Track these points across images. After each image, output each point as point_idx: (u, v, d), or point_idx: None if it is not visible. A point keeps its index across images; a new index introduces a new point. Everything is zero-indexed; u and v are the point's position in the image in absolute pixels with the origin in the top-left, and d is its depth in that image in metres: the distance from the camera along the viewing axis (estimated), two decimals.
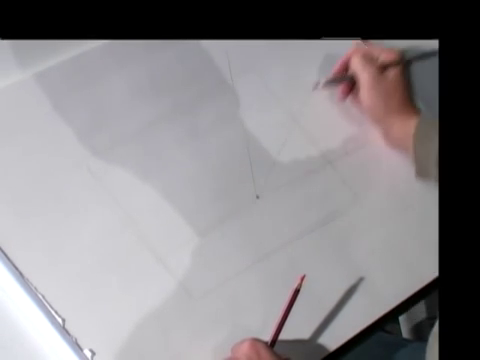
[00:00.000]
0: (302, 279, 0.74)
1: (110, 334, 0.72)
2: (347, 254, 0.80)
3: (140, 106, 0.83)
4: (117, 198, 0.78)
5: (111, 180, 0.78)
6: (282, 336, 0.73)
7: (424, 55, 0.89)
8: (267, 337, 0.72)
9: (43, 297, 0.71)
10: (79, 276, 0.74)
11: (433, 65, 0.83)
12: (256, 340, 0.71)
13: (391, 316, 0.80)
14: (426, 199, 0.85)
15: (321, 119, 0.87)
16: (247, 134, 0.84)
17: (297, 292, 0.74)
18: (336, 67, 0.87)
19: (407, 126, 0.83)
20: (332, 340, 0.76)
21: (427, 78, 0.87)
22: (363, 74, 0.84)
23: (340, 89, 0.88)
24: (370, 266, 0.80)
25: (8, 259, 0.72)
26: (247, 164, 0.83)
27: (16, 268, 0.72)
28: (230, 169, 0.82)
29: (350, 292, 0.79)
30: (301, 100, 0.88)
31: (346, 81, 0.87)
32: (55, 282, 0.73)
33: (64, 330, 0.71)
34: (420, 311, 1.28)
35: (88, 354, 0.71)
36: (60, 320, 0.71)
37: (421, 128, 0.82)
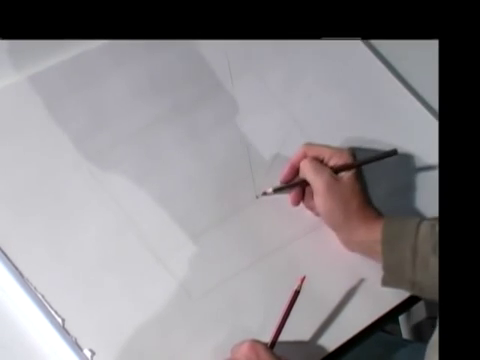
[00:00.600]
0: (302, 280, 0.74)
1: (110, 334, 0.72)
2: (347, 254, 0.80)
3: (140, 106, 0.83)
4: (117, 198, 0.78)
5: (111, 180, 0.78)
6: (282, 337, 0.73)
7: (377, 156, 0.83)
8: (267, 338, 0.72)
9: (43, 297, 0.71)
10: (79, 276, 0.74)
11: (432, 71, 0.82)
12: (256, 341, 0.71)
13: (391, 316, 0.80)
14: (426, 199, 0.85)
15: (321, 119, 0.87)
16: (247, 134, 0.84)
17: (297, 293, 0.74)
18: (285, 172, 0.80)
19: (372, 231, 0.77)
20: (332, 341, 0.76)
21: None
22: (316, 181, 0.77)
23: (291, 195, 0.81)
24: (370, 266, 0.80)
25: (8, 259, 0.72)
26: (247, 164, 0.83)
27: (16, 268, 0.72)
28: (230, 169, 0.82)
29: (350, 292, 0.79)
30: (301, 100, 0.88)
31: (297, 186, 0.81)
32: (55, 282, 0.72)
33: (64, 330, 0.71)
34: (420, 311, 1.28)
35: (88, 354, 0.70)
36: (60, 320, 0.71)
37: (389, 232, 0.76)
